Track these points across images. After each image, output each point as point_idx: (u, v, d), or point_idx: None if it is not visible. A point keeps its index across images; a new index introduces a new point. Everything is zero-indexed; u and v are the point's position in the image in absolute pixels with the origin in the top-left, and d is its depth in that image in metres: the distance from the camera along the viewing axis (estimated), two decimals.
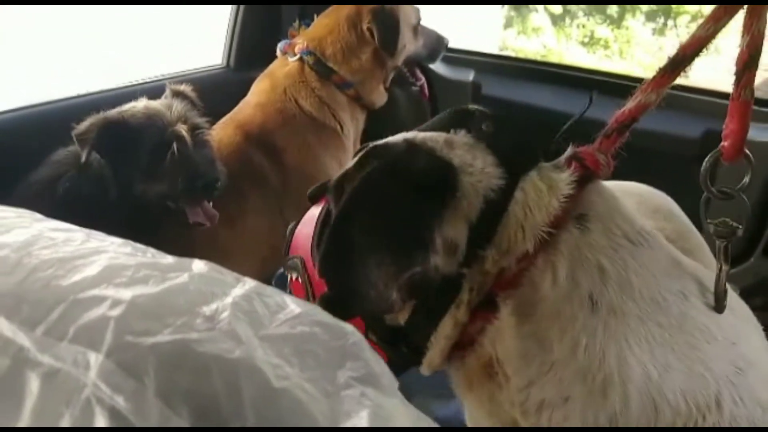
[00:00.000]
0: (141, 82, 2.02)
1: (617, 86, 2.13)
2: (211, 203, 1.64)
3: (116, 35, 3.67)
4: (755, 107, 1.92)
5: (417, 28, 1.97)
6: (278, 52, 1.95)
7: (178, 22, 3.69)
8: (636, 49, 4.55)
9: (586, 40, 4.68)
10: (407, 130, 2.33)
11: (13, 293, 0.31)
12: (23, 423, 0.26)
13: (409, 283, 0.69)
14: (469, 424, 0.85)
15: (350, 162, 0.81)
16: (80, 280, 0.32)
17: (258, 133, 1.84)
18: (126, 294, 0.31)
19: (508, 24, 4.96)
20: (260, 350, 0.31)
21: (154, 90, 1.69)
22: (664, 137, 1.91)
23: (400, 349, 0.78)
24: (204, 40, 2.61)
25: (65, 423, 0.26)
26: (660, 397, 0.66)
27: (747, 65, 0.74)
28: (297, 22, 2.00)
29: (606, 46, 4.63)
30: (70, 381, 0.27)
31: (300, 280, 0.89)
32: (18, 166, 1.57)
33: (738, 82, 0.75)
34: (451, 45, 2.50)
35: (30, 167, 1.60)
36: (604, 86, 2.15)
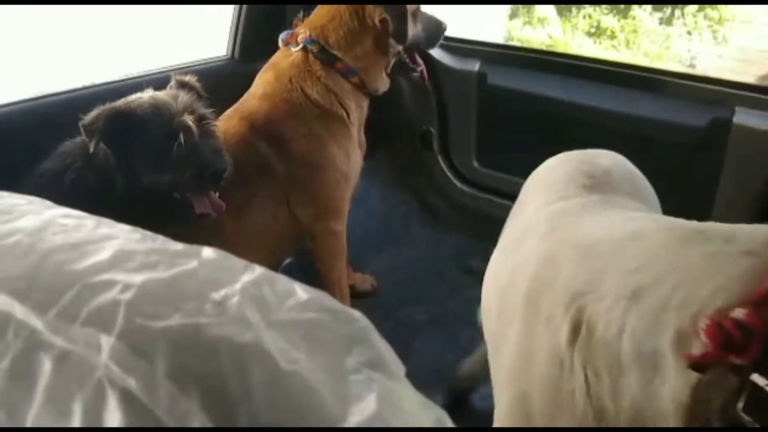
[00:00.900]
0: (146, 73, 2.03)
1: (623, 76, 2.13)
2: (217, 194, 1.64)
3: (120, 27, 3.67)
4: (761, 95, 1.90)
5: (416, 14, 1.97)
6: (280, 43, 1.95)
7: (182, 14, 3.69)
8: (643, 38, 4.53)
9: (593, 30, 4.66)
10: (410, 117, 2.33)
11: (26, 277, 0.32)
12: (36, 403, 0.27)
13: None
14: None
15: None
16: (91, 264, 0.32)
17: (264, 124, 1.84)
18: (136, 278, 0.32)
19: (513, 14, 4.93)
20: (269, 335, 0.31)
21: (159, 81, 1.70)
22: (671, 126, 1.91)
23: None
24: (209, 32, 2.60)
25: (77, 403, 0.26)
26: None
27: None
28: (302, 13, 2.00)
29: (612, 36, 4.61)
30: (82, 362, 0.27)
31: None
32: (25, 158, 1.58)
33: None
34: (456, 35, 2.49)
35: (37, 159, 1.61)
36: (611, 76, 2.14)
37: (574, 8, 4.75)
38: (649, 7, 4.51)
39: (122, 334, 0.28)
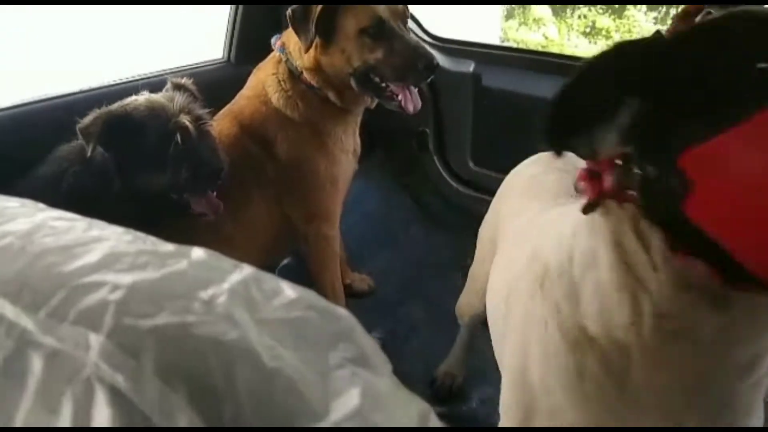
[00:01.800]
0: (142, 76, 2.04)
1: None
2: (215, 194, 1.66)
3: (116, 31, 3.67)
4: None
5: (362, 36, 1.75)
6: (273, 46, 1.96)
7: (178, 17, 3.69)
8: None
9: (588, 30, 4.67)
10: (406, 118, 2.31)
11: (17, 279, 0.32)
12: (27, 401, 0.27)
13: None
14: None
15: None
16: (81, 266, 0.33)
17: (250, 125, 1.85)
18: (126, 279, 0.32)
19: (509, 15, 4.94)
20: (255, 333, 0.32)
21: (155, 84, 1.71)
22: None
23: None
24: (205, 35, 2.61)
25: (67, 400, 0.27)
26: None
27: None
28: None
29: (608, 36, 4.62)
30: (71, 361, 0.28)
31: None
32: (21, 162, 1.59)
33: None
34: (451, 36, 2.49)
35: (33, 163, 1.61)
36: None
37: (569, 9, 4.77)
38: (644, 7, 4.52)
39: (111, 333, 0.29)
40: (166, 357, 0.28)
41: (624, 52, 0.70)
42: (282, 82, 1.84)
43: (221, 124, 1.84)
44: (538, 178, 1.32)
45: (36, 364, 0.29)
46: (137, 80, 1.97)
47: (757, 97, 0.58)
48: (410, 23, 2.06)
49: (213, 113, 1.75)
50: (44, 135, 1.65)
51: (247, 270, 0.38)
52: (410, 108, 1.84)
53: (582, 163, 0.77)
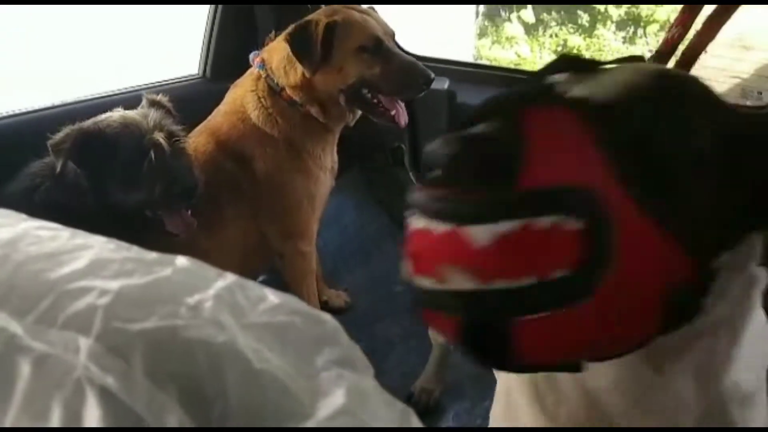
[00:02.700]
0: (117, 92, 2.03)
1: None
2: (189, 211, 1.65)
3: (92, 46, 3.65)
4: None
5: (361, 53, 1.81)
6: (251, 62, 1.97)
7: (154, 33, 3.69)
8: (608, 57, 4.66)
9: (560, 48, 4.78)
10: (382, 134, 2.34)
11: (3, 285, 0.33)
12: (15, 404, 0.28)
13: None
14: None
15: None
16: (68, 272, 0.34)
17: (226, 141, 1.85)
18: (113, 285, 0.33)
19: (482, 34, 5.03)
20: (242, 336, 0.33)
21: (129, 100, 1.71)
22: None
23: None
24: (180, 51, 2.61)
25: (57, 402, 0.27)
26: None
27: (670, 51, 0.82)
28: (273, 32, 2.02)
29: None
30: (60, 364, 0.29)
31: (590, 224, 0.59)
32: None
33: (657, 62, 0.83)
34: (426, 54, 2.52)
35: (4, 179, 1.59)
36: None
37: (541, 27, 4.87)
38: (613, 26, 4.64)
39: (100, 336, 0.30)
40: (155, 358, 0.29)
41: None
42: (262, 99, 1.84)
43: (197, 140, 1.84)
44: None
45: (24, 368, 0.29)
46: (112, 95, 1.96)
47: None
48: None
49: (189, 129, 1.75)
50: (16, 151, 1.63)
51: (231, 277, 0.38)
52: (402, 121, 1.92)
53: None
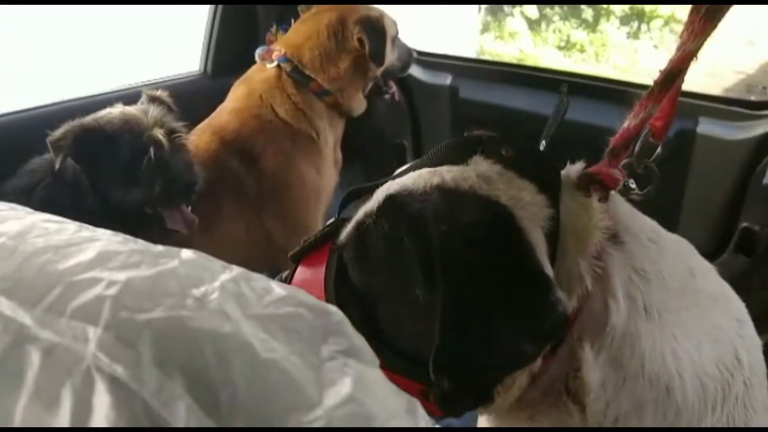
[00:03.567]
0: (117, 89, 2.03)
1: (592, 88, 2.19)
2: (189, 208, 1.65)
3: (92, 45, 3.66)
4: (726, 106, 1.97)
5: (395, 40, 2.01)
6: (256, 58, 1.97)
7: (155, 30, 3.69)
8: (611, 52, 4.66)
9: (562, 44, 4.78)
10: (384, 130, 2.36)
11: (12, 277, 0.33)
12: (26, 393, 0.28)
13: None
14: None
15: (358, 214, 0.77)
16: (75, 264, 0.34)
17: (234, 139, 1.86)
18: (120, 276, 0.34)
19: (485, 29, 5.03)
20: (248, 327, 0.33)
21: (130, 97, 1.71)
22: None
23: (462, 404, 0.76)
24: (181, 49, 2.61)
25: (67, 390, 0.28)
26: (704, 374, 0.72)
27: (690, 59, 0.80)
28: (275, 27, 2.02)
29: (582, 50, 4.73)
30: (70, 353, 0.29)
31: None
32: None
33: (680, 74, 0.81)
34: (428, 50, 2.53)
35: (4, 176, 1.59)
36: (580, 88, 2.20)
37: (543, 22, 4.87)
38: (617, 22, 4.64)
39: (108, 326, 0.30)
40: (163, 348, 0.30)
41: None
42: (291, 95, 1.88)
43: (200, 138, 1.84)
44: None
45: (34, 358, 0.30)
46: (112, 93, 1.96)
47: None
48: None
49: (190, 126, 1.75)
50: (17, 148, 1.63)
51: (236, 270, 0.39)
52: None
53: None
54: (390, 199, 0.73)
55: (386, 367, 0.61)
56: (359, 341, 0.36)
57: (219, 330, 0.32)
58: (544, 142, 1.95)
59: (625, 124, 0.81)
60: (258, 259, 2.03)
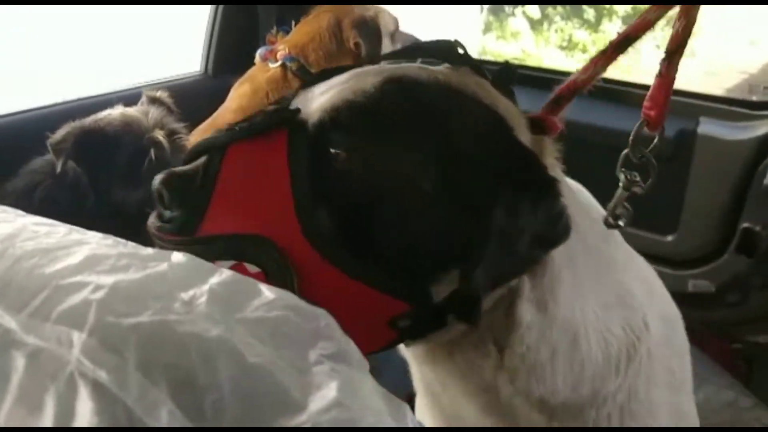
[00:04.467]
0: (118, 90, 2.03)
1: (593, 88, 2.18)
2: None
3: (93, 45, 3.67)
4: (729, 107, 1.96)
5: (394, 35, 1.99)
6: (257, 59, 1.97)
7: (155, 30, 3.70)
8: None
9: (565, 44, 4.77)
10: None
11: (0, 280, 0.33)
12: (10, 397, 0.28)
13: None
14: (421, 386, 0.89)
15: (337, 92, 0.64)
16: (63, 267, 0.34)
17: None
18: (108, 280, 0.33)
19: (487, 29, 5.02)
20: (236, 331, 0.33)
21: (130, 98, 1.71)
22: (645, 140, 1.96)
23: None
24: (182, 49, 2.62)
25: (50, 395, 0.28)
26: (607, 331, 0.75)
27: (679, 47, 0.81)
28: (275, 28, 2.02)
29: (584, 50, 4.72)
30: (54, 358, 0.29)
31: (266, 271, 0.60)
32: None
33: (669, 61, 0.82)
34: None
35: (4, 177, 1.59)
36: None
37: (545, 22, 4.86)
38: (619, 22, 4.63)
39: (93, 331, 0.30)
40: (148, 352, 0.30)
41: None
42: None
43: (202, 137, 1.85)
44: None
45: (19, 361, 0.30)
46: (112, 94, 1.96)
47: None
48: None
49: (191, 126, 1.75)
50: (17, 149, 1.63)
51: (225, 273, 0.39)
52: None
53: None
54: (396, 81, 0.65)
55: (369, 282, 0.59)
56: (347, 345, 0.36)
57: (206, 334, 0.31)
58: None
59: (573, 77, 0.83)
60: None
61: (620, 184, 0.83)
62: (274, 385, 0.30)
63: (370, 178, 0.61)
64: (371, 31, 1.89)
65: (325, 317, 0.37)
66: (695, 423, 0.89)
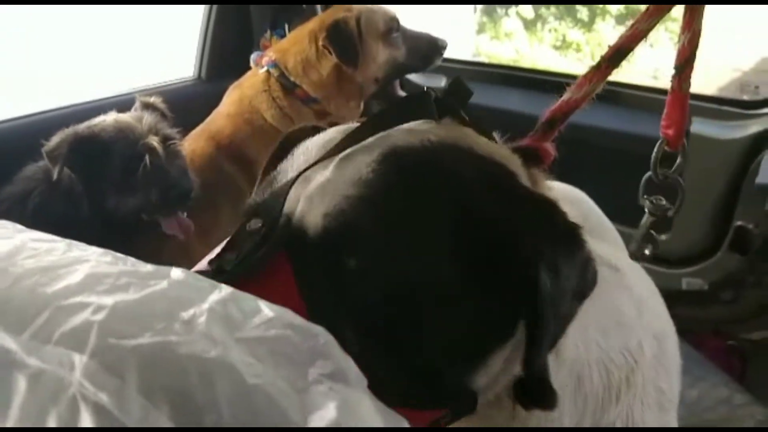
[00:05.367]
0: (111, 95, 2.03)
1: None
2: (185, 214, 1.65)
3: (86, 49, 3.66)
4: (720, 106, 1.97)
5: (389, 36, 1.91)
6: (251, 64, 1.97)
7: (149, 36, 3.69)
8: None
9: (558, 44, 4.78)
10: None
11: (1, 300, 0.33)
12: (11, 419, 0.29)
13: None
14: None
15: (331, 190, 0.55)
16: (63, 287, 0.34)
17: (229, 144, 1.86)
18: (108, 300, 0.34)
19: (481, 30, 5.03)
20: (235, 351, 0.33)
21: (124, 103, 1.71)
22: (634, 138, 1.97)
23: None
24: (175, 55, 2.61)
25: (52, 418, 0.28)
26: (609, 361, 0.73)
27: (688, 60, 0.80)
28: (269, 33, 2.02)
29: (578, 50, 4.73)
30: (55, 380, 0.30)
31: None
32: None
33: (680, 75, 0.81)
34: None
35: None
36: None
37: (539, 22, 4.87)
38: (612, 21, 4.64)
39: (94, 353, 0.30)
40: (148, 375, 0.30)
41: None
42: (277, 99, 1.87)
43: (196, 143, 1.85)
44: None
45: (20, 384, 0.30)
46: (105, 99, 1.96)
47: None
48: None
49: (186, 131, 1.76)
50: (10, 156, 1.63)
51: (225, 290, 0.39)
52: None
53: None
54: (392, 157, 0.56)
55: (404, 403, 0.47)
56: (346, 363, 0.36)
57: (205, 355, 0.32)
58: None
59: (566, 97, 0.77)
60: None
61: (646, 211, 0.81)
62: (273, 406, 0.31)
63: (391, 279, 0.53)
64: (344, 35, 1.82)
65: (323, 335, 0.37)
66: None
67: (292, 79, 1.87)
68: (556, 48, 4.84)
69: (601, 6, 4.57)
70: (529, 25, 4.90)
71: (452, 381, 0.56)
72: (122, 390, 0.29)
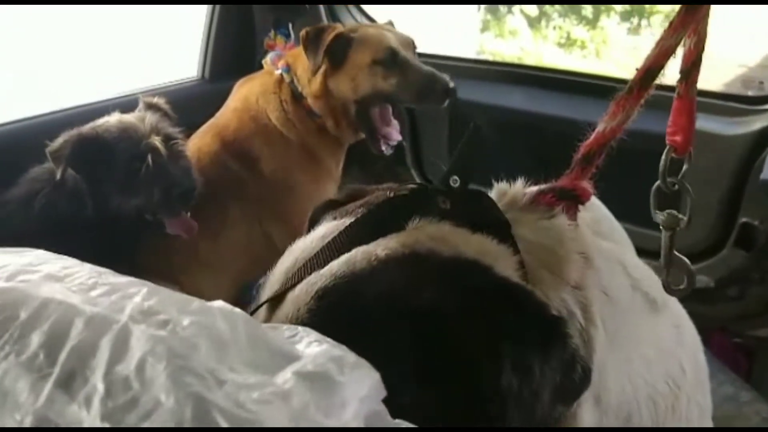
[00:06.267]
0: (115, 96, 2.08)
1: (591, 86, 2.24)
2: (189, 214, 1.69)
3: (90, 51, 3.71)
4: (723, 102, 2.00)
5: (376, 64, 1.90)
6: (268, 63, 2.03)
7: (152, 37, 3.74)
8: (612, 48, 4.72)
9: (563, 41, 4.84)
10: None
11: None
12: (67, 347, 0.36)
13: None
14: None
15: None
16: None
17: (234, 140, 1.90)
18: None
19: (485, 27, 5.08)
20: None
21: (127, 104, 1.75)
22: (639, 134, 2.01)
23: None
24: (179, 55, 2.66)
25: (106, 341, 0.35)
26: (656, 393, 0.74)
27: (694, 64, 0.79)
28: (273, 32, 2.07)
29: (582, 47, 4.79)
30: (107, 319, 0.36)
31: None
32: None
33: (686, 80, 0.80)
34: (427, 50, 2.57)
35: (4, 186, 1.64)
36: (579, 86, 2.25)
37: (543, 20, 4.93)
38: (617, 18, 4.70)
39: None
40: None
41: None
42: (284, 103, 1.93)
43: (202, 140, 1.90)
44: None
45: (78, 324, 0.37)
46: (109, 100, 2.00)
47: None
48: None
49: (189, 132, 1.80)
50: (15, 157, 1.67)
51: None
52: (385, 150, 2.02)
53: None
54: (327, 296, 0.58)
55: None
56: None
57: None
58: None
59: (600, 128, 0.77)
60: (260, 264, 2.07)
61: (661, 227, 0.79)
62: None
63: None
64: (318, 39, 1.84)
65: None
66: None
67: (300, 88, 1.92)
68: (561, 45, 4.89)
69: None
70: (533, 22, 4.95)
71: None
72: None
